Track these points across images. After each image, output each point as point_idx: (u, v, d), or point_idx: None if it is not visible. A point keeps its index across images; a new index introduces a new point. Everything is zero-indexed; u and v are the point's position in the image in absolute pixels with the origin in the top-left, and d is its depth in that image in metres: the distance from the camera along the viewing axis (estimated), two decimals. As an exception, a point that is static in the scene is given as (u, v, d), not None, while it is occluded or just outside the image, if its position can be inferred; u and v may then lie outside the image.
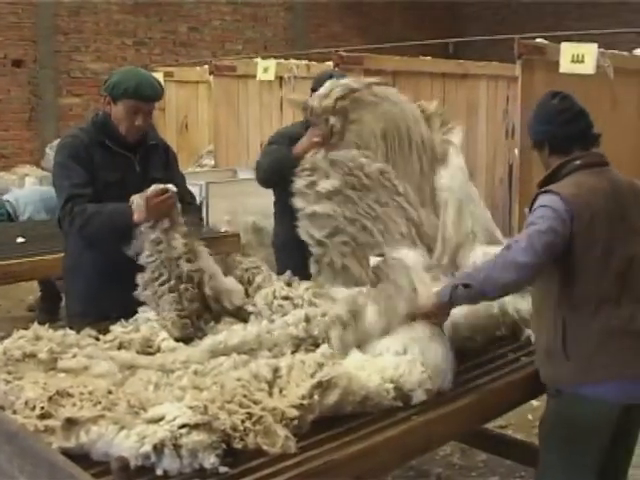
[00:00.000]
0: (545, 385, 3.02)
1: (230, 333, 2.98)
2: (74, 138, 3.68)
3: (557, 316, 2.92)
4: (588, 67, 4.97)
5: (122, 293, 3.35)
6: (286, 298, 3.34)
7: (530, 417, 4.97)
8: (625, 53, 6.09)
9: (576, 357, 2.87)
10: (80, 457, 2.16)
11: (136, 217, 3.35)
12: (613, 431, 2.93)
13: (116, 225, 3.44)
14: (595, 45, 5.00)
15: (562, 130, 3.05)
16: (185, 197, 3.90)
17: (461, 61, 7.48)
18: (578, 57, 4.98)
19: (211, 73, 8.48)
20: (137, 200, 3.36)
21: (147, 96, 3.59)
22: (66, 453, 2.14)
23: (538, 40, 5.49)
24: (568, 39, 5.27)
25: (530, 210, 2.99)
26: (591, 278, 2.86)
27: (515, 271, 2.83)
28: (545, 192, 2.95)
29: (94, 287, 3.58)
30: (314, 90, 4.24)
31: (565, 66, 5.04)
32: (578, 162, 3.01)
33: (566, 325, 2.89)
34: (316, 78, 4.38)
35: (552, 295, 2.94)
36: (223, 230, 6.04)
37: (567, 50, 5.03)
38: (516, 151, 5.50)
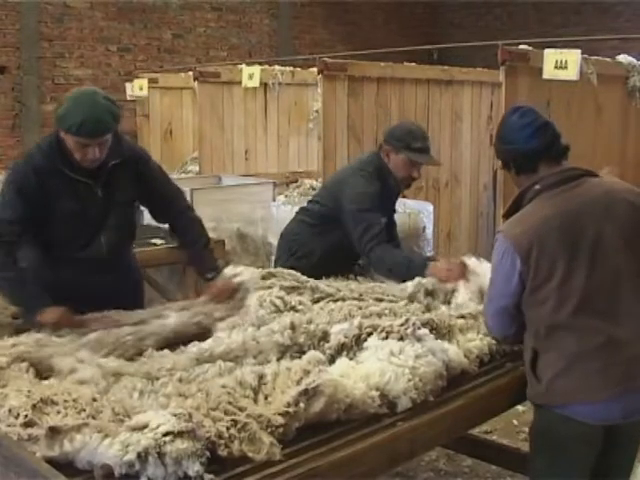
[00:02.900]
0: None
1: (216, 341, 2.98)
2: (26, 165, 3.46)
3: (529, 341, 2.92)
4: (571, 73, 4.98)
5: (75, 305, 3.28)
6: (280, 298, 3.40)
7: (515, 422, 4.98)
8: (608, 59, 6.12)
9: (545, 380, 2.85)
10: (64, 465, 2.14)
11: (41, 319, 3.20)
12: (595, 449, 2.90)
13: (18, 305, 3.46)
14: (578, 51, 5.01)
15: (524, 148, 2.96)
16: (176, 204, 3.80)
17: (445, 67, 7.51)
18: (561, 63, 4.99)
19: (195, 79, 8.47)
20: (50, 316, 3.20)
21: (92, 135, 3.29)
22: (50, 462, 2.12)
23: (521, 46, 5.50)
24: (551, 45, 5.29)
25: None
26: (551, 311, 2.81)
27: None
28: (499, 232, 2.95)
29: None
30: (386, 142, 4.24)
31: (548, 72, 5.05)
32: (537, 187, 2.93)
33: (536, 350, 2.88)
34: (390, 131, 4.32)
35: (526, 320, 2.95)
36: (208, 237, 6.01)
37: (550, 56, 5.04)
38: (500, 157, 5.51)
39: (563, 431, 2.86)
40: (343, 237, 4.17)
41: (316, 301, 3.52)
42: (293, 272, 3.74)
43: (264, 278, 3.66)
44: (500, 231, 2.95)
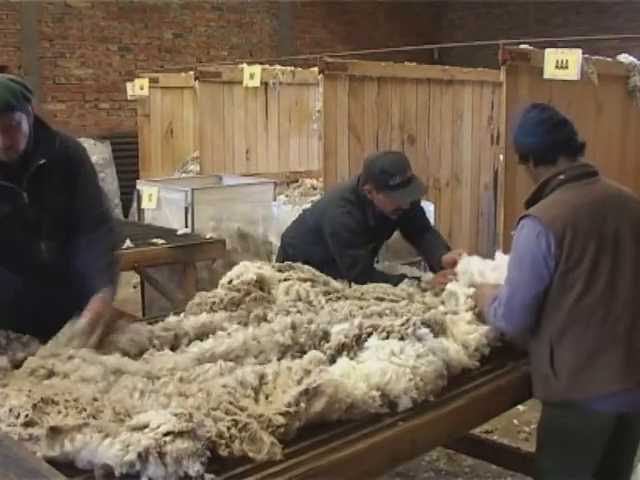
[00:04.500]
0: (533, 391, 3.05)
1: (217, 340, 2.97)
2: None
3: (545, 335, 2.94)
4: (572, 73, 4.98)
5: (22, 320, 3.13)
6: (306, 291, 3.54)
7: (516, 422, 4.99)
8: (609, 59, 6.12)
9: (564, 375, 2.88)
10: (65, 465, 2.14)
11: None
12: (608, 440, 2.94)
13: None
14: (579, 51, 5.00)
15: (545, 140, 3.05)
16: (89, 220, 3.34)
17: (446, 67, 7.50)
18: (562, 63, 4.98)
19: (196, 79, 8.47)
20: None
21: None
22: (51, 461, 2.12)
23: (522, 46, 5.50)
24: (552, 45, 5.29)
25: (515, 231, 3.04)
26: (577, 297, 2.86)
27: (506, 330, 3.12)
28: (527, 216, 2.96)
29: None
30: (366, 181, 4.06)
31: (549, 72, 5.05)
32: (562, 177, 3.01)
33: (553, 344, 2.90)
34: (367, 170, 4.10)
35: (542, 316, 2.96)
36: (208, 236, 6.03)
37: (551, 56, 5.04)
38: (501, 157, 5.51)
39: (577, 424, 2.90)
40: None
41: (326, 293, 3.62)
42: (308, 266, 3.84)
43: (281, 270, 3.77)
44: (529, 215, 2.96)
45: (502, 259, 3.54)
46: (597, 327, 2.86)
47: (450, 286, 3.63)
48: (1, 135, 3.04)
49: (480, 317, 3.24)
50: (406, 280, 3.85)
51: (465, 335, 3.09)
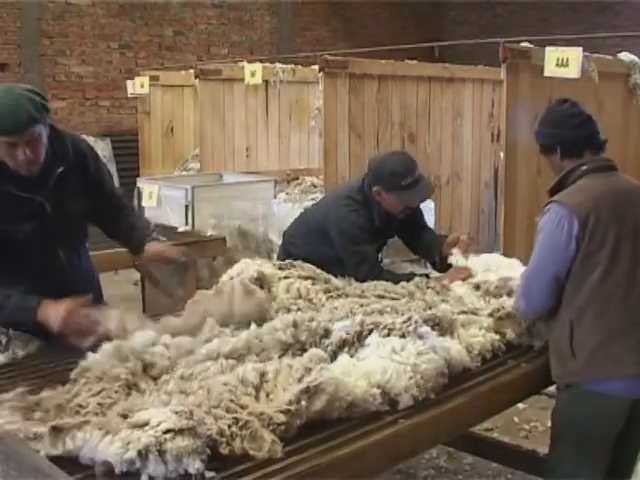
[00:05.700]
0: (547, 383, 3.19)
1: (222, 340, 2.96)
2: None
3: (565, 316, 3.03)
4: (573, 71, 4.98)
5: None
6: (306, 288, 3.56)
7: (516, 420, 4.99)
8: (609, 57, 6.12)
9: (581, 354, 2.97)
10: (69, 461, 2.14)
11: (49, 323, 2.95)
12: (622, 425, 3.02)
13: (15, 320, 3.09)
14: (580, 49, 5.00)
15: (573, 133, 3.18)
16: (118, 209, 3.61)
17: (447, 65, 7.51)
18: (563, 61, 4.99)
19: (197, 77, 8.47)
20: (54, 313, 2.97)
21: (15, 128, 2.92)
22: (56, 458, 2.12)
23: (523, 44, 5.50)
24: (552, 43, 5.29)
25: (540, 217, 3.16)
26: (598, 279, 2.96)
27: (525, 311, 3.19)
28: (552, 202, 3.08)
29: None
30: (374, 184, 4.05)
31: (550, 70, 5.05)
32: (585, 167, 3.14)
33: (573, 324, 2.99)
34: (375, 172, 4.10)
35: (563, 299, 3.05)
36: (209, 234, 6.04)
37: (552, 54, 5.04)
38: (502, 154, 5.51)
39: (592, 408, 2.98)
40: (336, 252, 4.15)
41: (327, 291, 3.64)
42: (309, 264, 3.87)
43: (282, 268, 3.79)
44: (554, 201, 3.08)
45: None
46: (616, 309, 2.96)
47: (459, 289, 3.65)
48: (24, 149, 3.00)
49: (503, 321, 3.26)
50: (416, 278, 3.83)
51: (470, 338, 3.10)
